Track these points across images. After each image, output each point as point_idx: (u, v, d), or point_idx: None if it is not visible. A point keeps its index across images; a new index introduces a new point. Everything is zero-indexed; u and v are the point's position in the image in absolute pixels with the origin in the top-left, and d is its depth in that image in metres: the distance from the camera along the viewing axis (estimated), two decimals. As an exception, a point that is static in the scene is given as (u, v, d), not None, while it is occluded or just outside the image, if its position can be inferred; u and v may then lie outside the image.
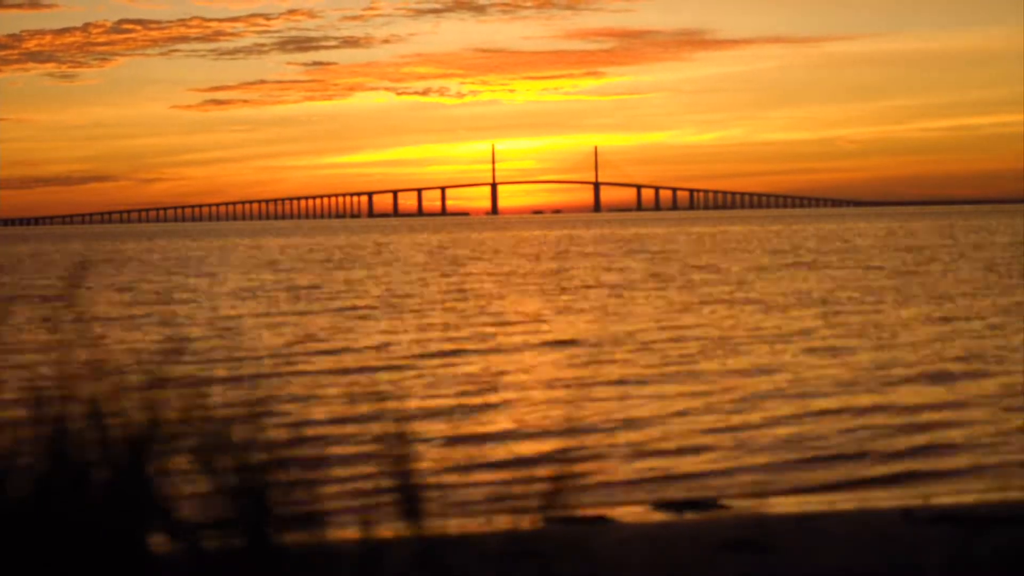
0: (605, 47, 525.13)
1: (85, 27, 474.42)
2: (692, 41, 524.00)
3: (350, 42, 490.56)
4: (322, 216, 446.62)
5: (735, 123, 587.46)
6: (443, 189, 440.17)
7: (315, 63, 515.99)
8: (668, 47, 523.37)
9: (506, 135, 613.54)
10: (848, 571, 7.78)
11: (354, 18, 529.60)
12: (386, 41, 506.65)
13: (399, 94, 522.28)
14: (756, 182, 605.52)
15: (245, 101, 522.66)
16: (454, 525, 3.86)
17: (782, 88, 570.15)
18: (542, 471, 12.10)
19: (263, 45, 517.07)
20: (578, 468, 12.35)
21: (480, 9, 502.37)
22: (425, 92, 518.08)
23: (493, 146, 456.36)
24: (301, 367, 20.29)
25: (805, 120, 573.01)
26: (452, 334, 25.31)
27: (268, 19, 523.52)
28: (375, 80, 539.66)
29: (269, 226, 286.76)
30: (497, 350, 22.48)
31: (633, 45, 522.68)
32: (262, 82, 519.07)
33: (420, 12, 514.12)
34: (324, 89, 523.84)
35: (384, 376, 19.00)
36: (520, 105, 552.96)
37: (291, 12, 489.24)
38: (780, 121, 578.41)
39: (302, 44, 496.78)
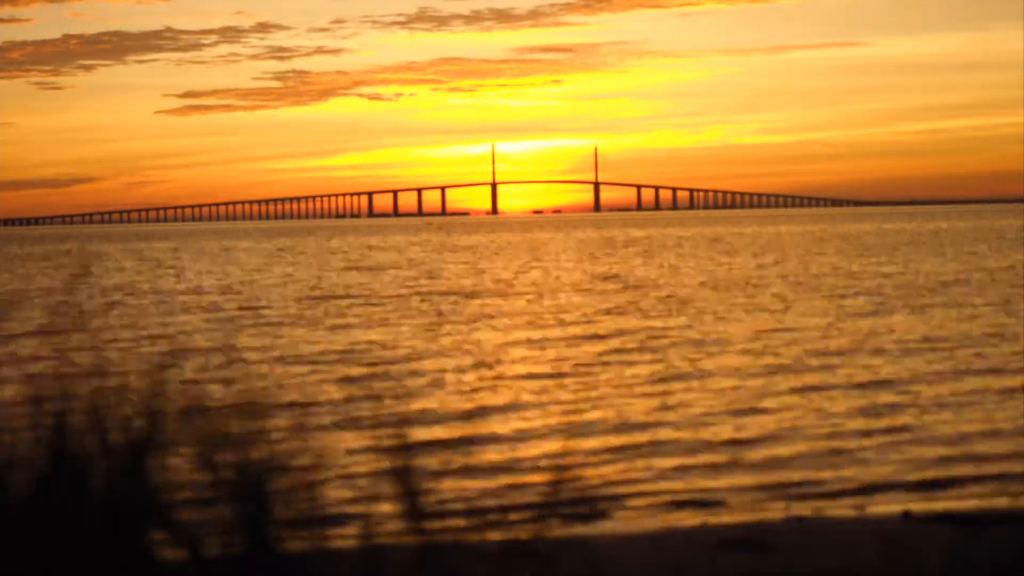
0: (567, 56, 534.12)
1: (64, 38, 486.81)
2: (651, 51, 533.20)
3: (321, 51, 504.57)
4: (322, 216, 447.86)
5: (711, 127, 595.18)
6: (443, 189, 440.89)
7: (290, 71, 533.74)
8: (628, 55, 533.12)
9: (484, 138, 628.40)
10: (848, 571, 7.78)
11: (322, 29, 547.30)
12: (355, 51, 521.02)
13: (371, 99, 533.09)
14: (745, 183, 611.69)
15: (226, 106, 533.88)
16: (454, 525, 3.86)
17: (748, 95, 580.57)
18: (543, 471, 12.09)
19: (237, 55, 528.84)
20: (578, 467, 12.34)
21: (443, 21, 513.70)
22: (396, 97, 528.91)
23: (493, 145, 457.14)
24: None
25: (779, 125, 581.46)
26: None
27: (239, 31, 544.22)
28: (348, 87, 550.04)
29: (294, 225, 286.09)
30: None
31: (595, 53, 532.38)
32: (239, 88, 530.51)
33: (385, 24, 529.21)
34: (299, 95, 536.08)
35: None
36: (495, 109, 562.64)
37: (261, 24, 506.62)
38: (754, 125, 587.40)
39: (275, 52, 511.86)
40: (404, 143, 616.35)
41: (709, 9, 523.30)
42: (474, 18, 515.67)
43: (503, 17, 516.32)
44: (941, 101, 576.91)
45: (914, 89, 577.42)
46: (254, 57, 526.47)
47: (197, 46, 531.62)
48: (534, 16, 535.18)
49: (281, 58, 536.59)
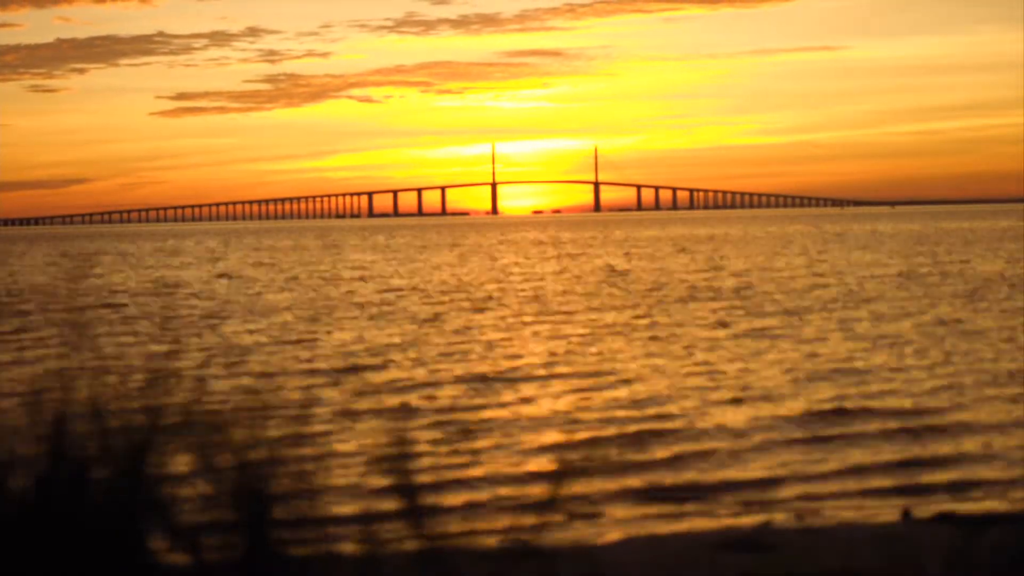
0: (554, 60, 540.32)
1: (57, 42, 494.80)
2: (638, 55, 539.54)
3: (311, 55, 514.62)
4: (322, 216, 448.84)
5: (702, 129, 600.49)
6: (443, 189, 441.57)
7: (281, 74, 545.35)
8: (614, 58, 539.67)
9: (475, 139, 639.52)
10: (848, 571, 7.78)
11: (310, 33, 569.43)
12: (344, 54, 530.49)
13: (361, 101, 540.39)
14: (745, 183, 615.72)
15: (218, 108, 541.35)
16: (455, 525, 3.86)
17: (737, 97, 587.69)
18: (544, 471, 12.09)
19: (228, 58, 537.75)
20: (578, 467, 12.34)
21: (430, 25, 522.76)
22: (386, 100, 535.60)
23: (493, 145, 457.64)
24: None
25: (772, 127, 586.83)
26: None
27: (229, 35, 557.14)
28: (338, 90, 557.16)
29: (310, 225, 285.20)
30: None
31: (582, 56, 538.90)
32: (231, 91, 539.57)
33: (373, 28, 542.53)
34: (291, 97, 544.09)
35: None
36: (485, 111, 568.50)
37: (251, 29, 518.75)
38: (747, 127, 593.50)
39: (266, 56, 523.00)
40: (396, 144, 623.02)
41: (691, 15, 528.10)
42: (461, 22, 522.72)
43: (490, 21, 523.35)
44: (930, 103, 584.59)
45: (902, 91, 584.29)
46: (244, 60, 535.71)
47: (188, 49, 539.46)
48: (520, 20, 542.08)
49: (271, 61, 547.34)
